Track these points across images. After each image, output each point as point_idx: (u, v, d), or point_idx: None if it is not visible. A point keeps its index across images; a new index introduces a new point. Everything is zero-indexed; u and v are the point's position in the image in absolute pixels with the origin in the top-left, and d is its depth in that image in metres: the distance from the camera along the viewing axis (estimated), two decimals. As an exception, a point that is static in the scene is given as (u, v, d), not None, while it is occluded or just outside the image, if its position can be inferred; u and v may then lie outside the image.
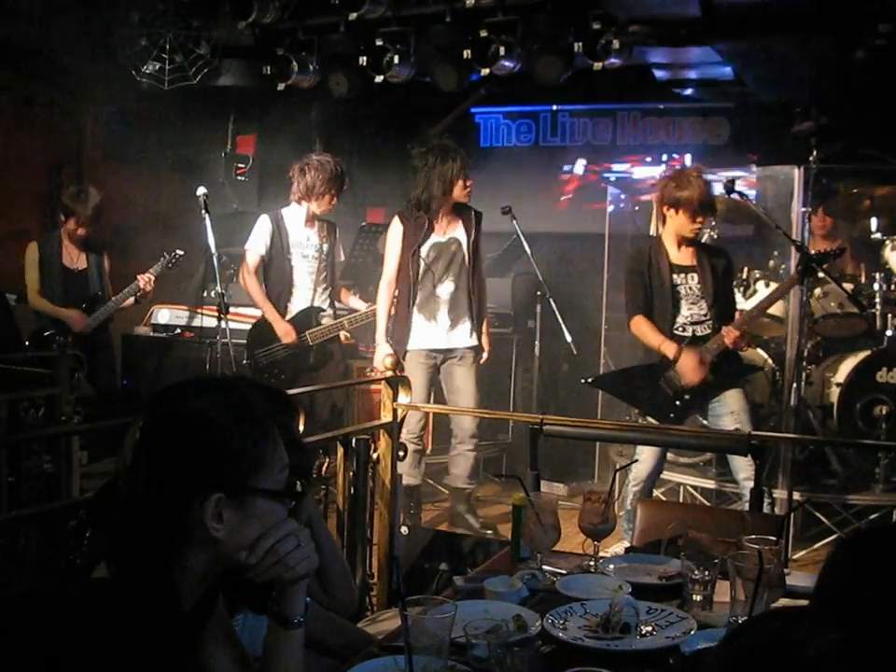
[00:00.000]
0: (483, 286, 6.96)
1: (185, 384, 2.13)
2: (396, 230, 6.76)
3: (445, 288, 6.80)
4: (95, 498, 2.09)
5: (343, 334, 7.55)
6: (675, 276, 6.05)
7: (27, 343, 7.44)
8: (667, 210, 6.00)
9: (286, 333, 6.54)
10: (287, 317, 6.93)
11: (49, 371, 6.61)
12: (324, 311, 7.05)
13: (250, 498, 2.02)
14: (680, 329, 6.04)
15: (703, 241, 6.40)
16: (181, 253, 7.69)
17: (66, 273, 7.72)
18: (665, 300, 6.03)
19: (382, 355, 6.52)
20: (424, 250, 6.78)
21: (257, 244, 6.79)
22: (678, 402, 5.99)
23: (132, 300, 7.71)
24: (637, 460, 6.02)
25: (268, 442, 2.06)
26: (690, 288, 6.05)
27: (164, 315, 8.74)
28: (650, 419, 6.09)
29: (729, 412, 5.95)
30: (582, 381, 6.63)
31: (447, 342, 6.82)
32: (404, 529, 5.26)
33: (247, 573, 2.08)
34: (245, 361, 6.98)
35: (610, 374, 6.86)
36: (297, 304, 7.01)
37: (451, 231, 6.83)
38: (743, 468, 5.75)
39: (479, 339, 6.87)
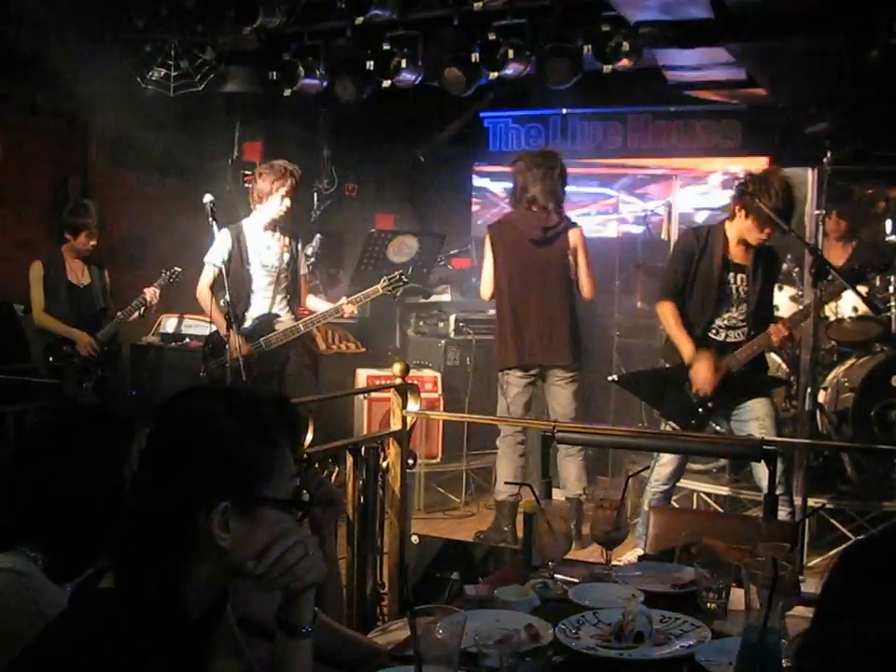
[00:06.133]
0: None
1: (192, 391, 2.13)
2: None
3: None
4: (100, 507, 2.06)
5: (321, 343, 7.62)
6: (726, 273, 5.91)
7: (48, 355, 7.45)
8: (738, 210, 5.82)
9: (235, 348, 6.47)
10: (244, 324, 6.93)
11: (57, 381, 6.60)
12: (279, 317, 7.06)
13: (257, 508, 2.00)
14: (714, 331, 5.94)
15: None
16: (179, 270, 7.71)
17: (72, 290, 7.72)
18: (709, 296, 5.90)
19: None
20: None
21: (214, 258, 6.78)
22: (700, 409, 5.90)
23: (137, 314, 7.72)
24: (648, 467, 5.97)
25: (276, 451, 2.04)
26: (737, 289, 5.91)
27: (172, 324, 8.72)
28: (670, 423, 6.03)
29: (754, 418, 5.85)
30: (609, 379, 6.59)
31: None
32: (414, 538, 5.21)
33: (256, 583, 2.06)
34: (201, 373, 7.01)
35: (636, 374, 6.78)
36: (254, 312, 7.02)
37: None
38: (765, 476, 5.66)
39: None
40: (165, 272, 7.79)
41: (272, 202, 6.88)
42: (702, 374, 5.81)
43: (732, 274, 5.91)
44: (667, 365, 6.19)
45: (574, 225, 6.99)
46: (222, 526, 1.94)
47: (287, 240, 7.14)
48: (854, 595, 1.58)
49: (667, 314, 5.98)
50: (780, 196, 5.63)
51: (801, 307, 6.65)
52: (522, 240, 6.92)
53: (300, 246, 7.29)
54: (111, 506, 2.10)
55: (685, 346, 5.88)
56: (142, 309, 7.71)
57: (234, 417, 2.01)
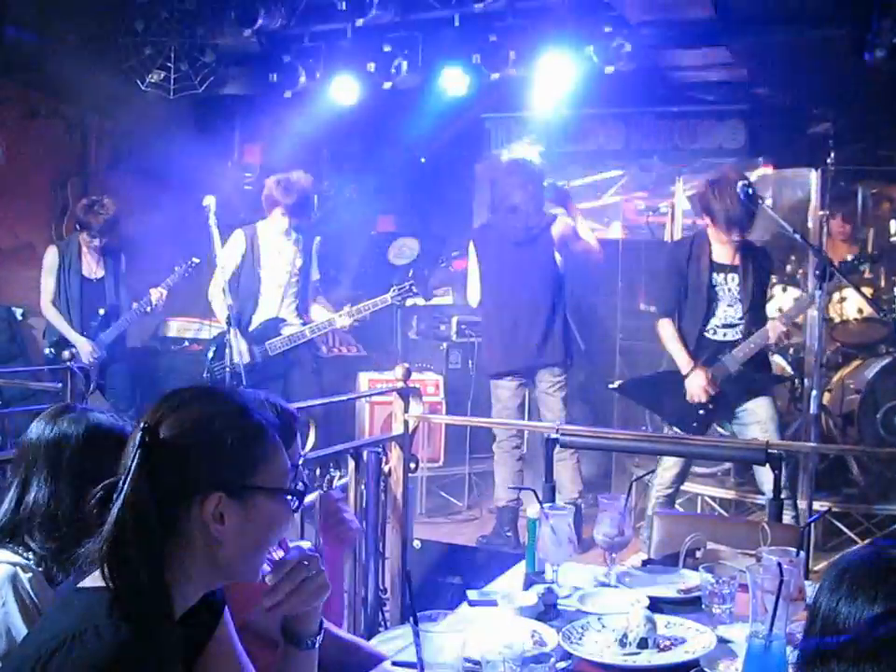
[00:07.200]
0: None
1: (185, 388, 2.09)
2: None
3: None
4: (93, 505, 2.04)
5: (322, 347, 7.62)
6: (714, 275, 5.95)
7: (49, 358, 7.41)
8: (703, 218, 5.94)
9: (237, 352, 6.45)
10: (251, 327, 6.96)
11: (58, 384, 6.58)
12: (285, 322, 7.08)
13: (252, 498, 1.98)
14: (711, 331, 5.97)
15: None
16: (197, 261, 7.62)
17: (84, 283, 7.66)
18: (700, 299, 5.95)
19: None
20: None
21: (228, 259, 6.77)
22: (701, 412, 5.92)
23: (145, 310, 7.67)
24: (653, 470, 5.97)
25: (268, 443, 2.02)
26: (728, 289, 5.96)
27: (173, 326, 8.70)
28: (673, 427, 6.03)
29: (756, 421, 5.87)
30: (610, 386, 6.59)
31: None
32: (417, 543, 5.19)
33: (262, 599, 2.08)
34: (205, 374, 6.95)
35: (636, 380, 6.80)
36: (262, 315, 7.05)
37: None
38: (768, 479, 5.63)
39: None
40: (182, 263, 7.70)
41: (275, 213, 6.94)
42: (696, 384, 5.89)
43: (720, 275, 5.97)
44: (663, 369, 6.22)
45: (554, 218, 6.98)
46: (217, 518, 1.92)
47: (300, 245, 7.13)
48: (842, 605, 1.61)
49: (664, 329, 6.09)
50: (735, 201, 5.70)
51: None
52: (504, 243, 6.94)
53: (313, 252, 7.26)
54: (105, 507, 2.08)
55: (682, 359, 5.97)
56: (148, 308, 7.64)
57: (227, 412, 2.00)
